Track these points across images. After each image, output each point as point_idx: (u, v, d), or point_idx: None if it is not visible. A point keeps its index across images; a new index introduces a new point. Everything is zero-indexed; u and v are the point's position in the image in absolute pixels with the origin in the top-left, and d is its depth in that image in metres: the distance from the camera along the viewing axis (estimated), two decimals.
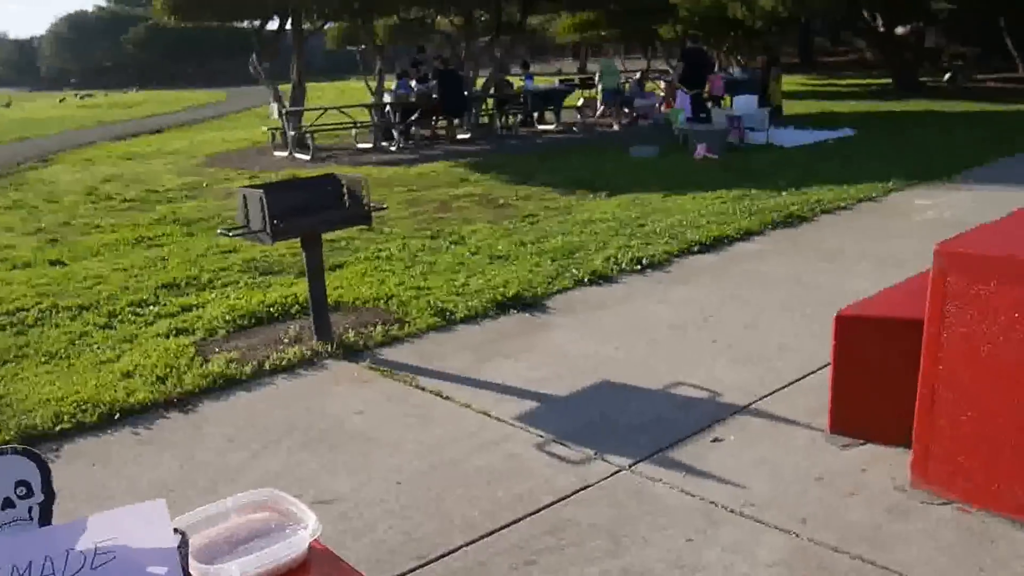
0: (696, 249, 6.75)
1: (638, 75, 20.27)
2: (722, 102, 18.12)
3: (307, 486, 3.42)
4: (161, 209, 10.23)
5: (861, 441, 3.46)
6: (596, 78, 19.95)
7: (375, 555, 2.91)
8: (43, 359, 4.97)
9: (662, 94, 20.00)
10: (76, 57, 69.46)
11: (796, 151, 12.51)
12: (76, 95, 47.04)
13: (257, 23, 18.30)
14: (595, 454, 3.53)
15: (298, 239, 4.93)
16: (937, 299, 2.89)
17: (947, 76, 25.78)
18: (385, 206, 5.63)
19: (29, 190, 12.45)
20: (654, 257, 6.46)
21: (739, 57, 30.02)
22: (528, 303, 5.61)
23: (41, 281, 6.73)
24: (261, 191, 4.48)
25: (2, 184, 13.31)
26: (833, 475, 3.24)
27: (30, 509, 1.02)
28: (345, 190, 4.94)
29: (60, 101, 43.71)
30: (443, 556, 2.89)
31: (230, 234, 4.70)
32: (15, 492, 1.01)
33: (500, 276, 6.16)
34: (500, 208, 9.21)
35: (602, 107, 19.75)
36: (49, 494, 1.03)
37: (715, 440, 3.61)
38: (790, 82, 20.42)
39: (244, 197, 4.64)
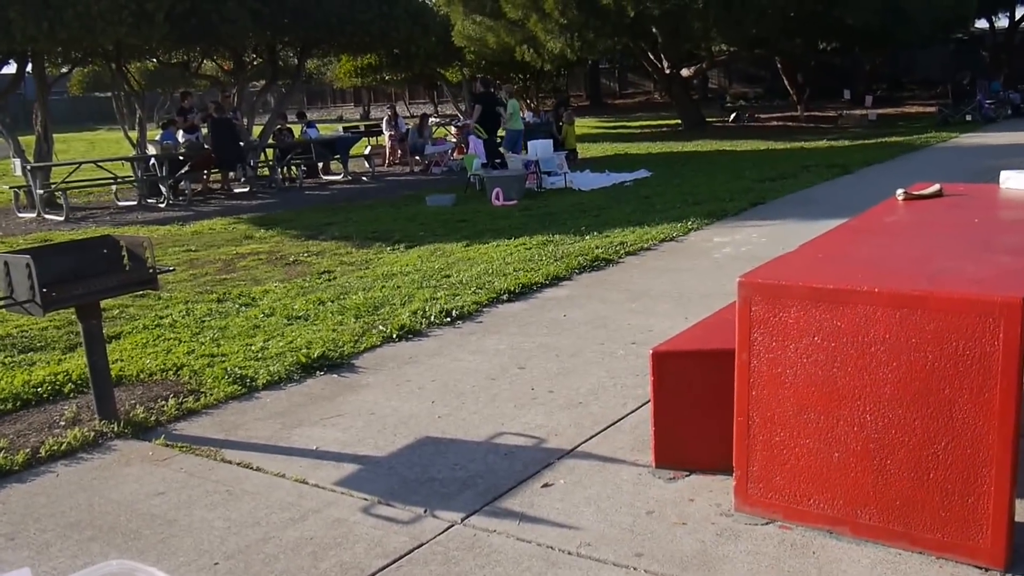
0: (505, 298, 7.08)
1: (416, 120, 20.82)
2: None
3: None
4: None
5: (686, 472, 3.82)
6: (384, 125, 20.33)
7: None
8: None
9: (454, 140, 20.65)
10: None
11: (595, 194, 13.33)
12: None
13: None
14: (424, 511, 3.67)
15: (72, 309, 4.77)
16: (744, 328, 3.29)
17: (732, 116, 28.30)
18: (172, 268, 5.54)
19: None
20: (463, 308, 6.72)
21: (529, 101, 31.50)
22: (335, 363, 5.68)
23: None
24: (28, 257, 4.32)
25: None
26: (663, 507, 3.55)
27: None
28: (125, 252, 4.84)
29: None
30: None
31: None
32: None
33: (302, 337, 6.19)
34: (291, 265, 9.21)
35: (389, 155, 20.12)
36: None
37: (545, 486, 3.84)
38: (582, 125, 21.72)
39: (6, 264, 4.45)
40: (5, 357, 6.22)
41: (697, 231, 9.59)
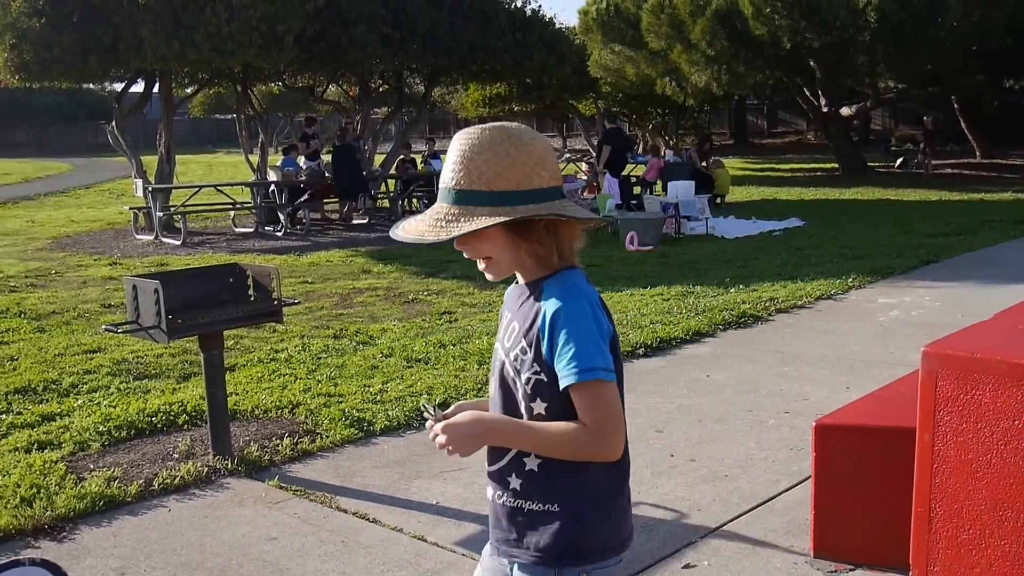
0: (641, 352, 7.01)
1: None
2: (654, 188, 18.96)
3: None
4: (1, 300, 10.01)
5: (850, 566, 3.66)
6: None
7: None
8: None
9: (584, 177, 20.75)
10: None
11: (740, 243, 13.14)
12: None
13: (119, 87, 18.36)
14: None
15: (195, 337, 4.96)
16: (928, 405, 3.15)
17: (899, 161, 27.50)
18: (297, 300, 5.71)
19: None
20: None
21: (668, 138, 31.44)
22: None
23: None
24: (156, 282, 4.52)
25: None
26: None
27: None
28: (251, 282, 5.02)
29: None
30: None
31: (118, 330, 4.71)
32: None
33: (422, 381, 6.27)
34: (410, 304, 9.37)
35: None
36: None
37: (686, 567, 3.75)
38: (726, 166, 21.48)
39: (135, 288, 4.67)
40: (121, 383, 6.50)
41: (858, 289, 9.31)
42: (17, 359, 7.27)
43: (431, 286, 10.28)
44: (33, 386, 6.44)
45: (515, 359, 1.96)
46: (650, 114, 33.98)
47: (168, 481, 4.69)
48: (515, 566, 2.00)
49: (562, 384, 1.87)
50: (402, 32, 17.77)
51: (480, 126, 1.97)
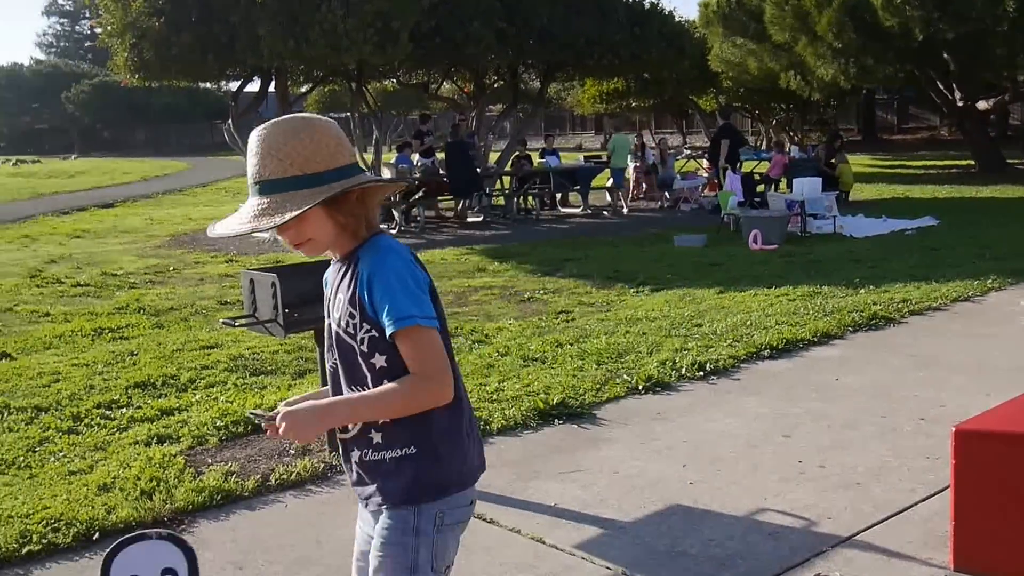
0: (766, 354, 6.88)
1: (657, 151, 20.79)
2: (778, 185, 18.61)
3: None
4: (122, 296, 10.43)
5: None
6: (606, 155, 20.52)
7: None
8: None
9: (705, 175, 20.49)
10: (6, 117, 70.94)
11: (870, 242, 12.77)
12: (8, 161, 47.97)
13: (236, 85, 18.92)
14: None
15: (311, 332, 5.06)
16: None
17: None
18: None
19: None
20: (718, 362, 6.58)
21: (793, 134, 30.82)
22: (575, 413, 5.71)
23: None
24: (274, 276, 4.63)
25: None
26: None
27: None
28: None
29: None
30: None
31: (235, 324, 4.84)
32: None
33: (539, 381, 6.27)
34: (526, 303, 9.39)
35: (634, 188, 20.23)
36: None
37: None
38: (853, 162, 20.90)
39: (252, 282, 4.79)
40: (237, 379, 6.69)
41: (998, 291, 8.94)
42: (137, 354, 7.55)
43: (547, 285, 10.28)
44: (152, 381, 6.68)
45: (347, 325, 2.16)
46: (773, 109, 33.37)
47: (284, 477, 4.80)
48: (383, 512, 2.23)
49: (387, 334, 2.08)
50: (518, 27, 17.84)
51: (271, 121, 2.17)
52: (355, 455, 2.26)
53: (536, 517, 4.33)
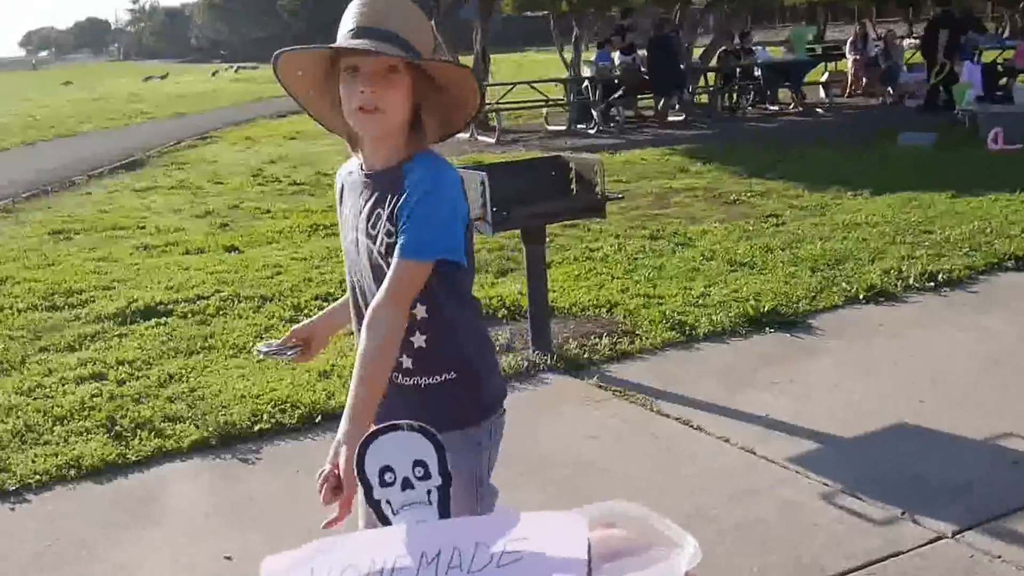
0: (1010, 265, 6.34)
1: (881, 44, 19.43)
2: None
3: None
4: (332, 195, 10.69)
5: None
6: (847, 47, 19.35)
7: None
8: (230, 352, 5.31)
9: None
10: (229, 27, 74.29)
11: None
12: (230, 68, 50.40)
13: None
14: (902, 514, 3.34)
15: (517, 230, 4.99)
16: None
17: None
18: (621, 195, 5.61)
19: (192, 170, 13.43)
20: (951, 273, 6.10)
21: None
22: (787, 321, 5.44)
23: (219, 268, 7.19)
24: (483, 173, 4.56)
25: (164, 163, 14.43)
26: None
27: (428, 492, 1.08)
28: (574, 175, 4.95)
29: (212, 75, 47.01)
30: None
31: None
32: (413, 472, 1.07)
33: (748, 287, 6.01)
34: (732, 205, 9.03)
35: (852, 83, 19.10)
36: (446, 476, 1.09)
37: None
38: None
39: (460, 181, 4.72)
40: None
41: None
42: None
43: (754, 187, 9.84)
44: None
45: (381, 242, 1.98)
46: None
47: None
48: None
49: (397, 249, 1.92)
50: None
51: None
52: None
53: (746, 427, 4.15)
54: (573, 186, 4.94)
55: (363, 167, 2.07)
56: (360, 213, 2.04)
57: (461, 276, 2.05)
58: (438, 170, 1.99)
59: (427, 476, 1.07)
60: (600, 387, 4.65)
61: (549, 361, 4.92)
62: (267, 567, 1.00)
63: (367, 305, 1.98)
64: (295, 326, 2.24)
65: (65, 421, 4.44)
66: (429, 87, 1.98)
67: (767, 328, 5.35)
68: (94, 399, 4.63)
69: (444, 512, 1.08)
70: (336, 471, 1.70)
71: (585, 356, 5.00)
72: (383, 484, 1.06)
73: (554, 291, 6.17)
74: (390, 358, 1.92)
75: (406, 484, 1.06)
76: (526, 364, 4.89)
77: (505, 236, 6.59)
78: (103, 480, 3.95)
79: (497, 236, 6.30)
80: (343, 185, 2.15)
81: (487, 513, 2.04)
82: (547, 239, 7.47)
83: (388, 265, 1.95)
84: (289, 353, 2.17)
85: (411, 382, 2.03)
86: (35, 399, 4.71)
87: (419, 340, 1.99)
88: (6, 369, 5.19)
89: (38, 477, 3.93)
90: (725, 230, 7.82)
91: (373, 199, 2.01)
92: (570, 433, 4.19)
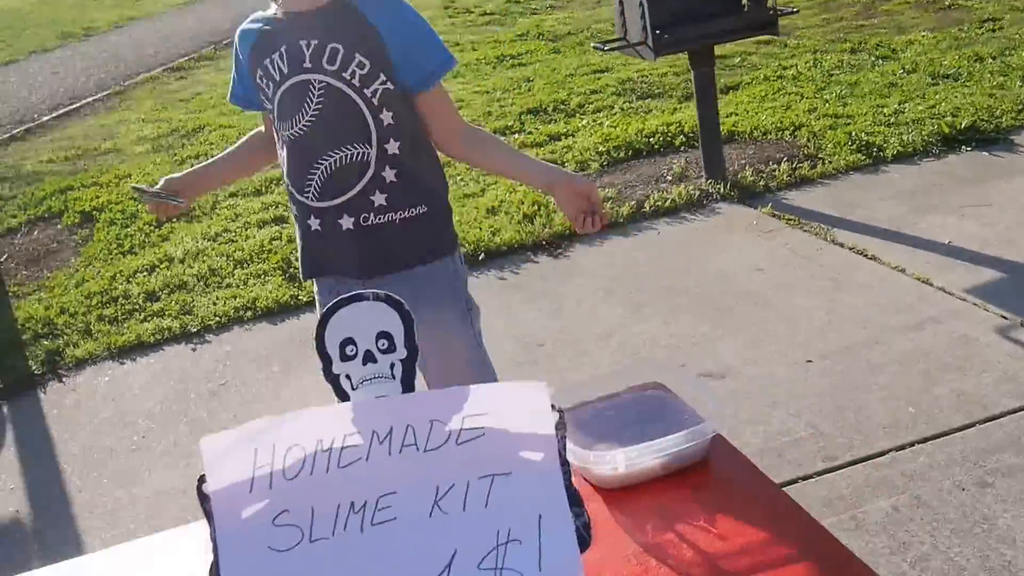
0: None
1: None
2: None
3: (688, 355, 3.40)
4: (524, 23, 10.54)
5: None
6: None
7: (774, 448, 2.83)
8: None
9: None
10: None
11: None
12: None
13: None
14: None
15: (685, 53, 4.77)
16: None
17: None
18: (795, 9, 5.24)
19: None
20: None
21: None
22: (987, 138, 5.02)
23: None
24: None
25: None
26: None
27: (392, 366, 1.03)
28: None
29: None
30: (855, 462, 2.73)
31: (604, 48, 4.67)
32: (376, 345, 1.03)
33: (947, 101, 5.56)
34: (946, 11, 8.26)
35: None
36: (412, 350, 1.03)
37: None
38: None
39: (620, 3, 4.54)
40: (624, 103, 6.59)
41: None
42: (532, 80, 7.65)
43: None
44: (544, 107, 6.74)
45: (351, 76, 1.89)
46: None
47: (659, 203, 4.70)
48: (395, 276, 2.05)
49: (429, 82, 1.97)
50: None
51: None
52: (346, 222, 1.99)
53: (926, 255, 3.92)
54: (744, 2, 4.64)
55: (281, 13, 1.95)
56: (304, 52, 1.90)
57: None
58: None
59: (391, 349, 1.01)
60: (774, 215, 4.49)
61: (722, 189, 4.77)
62: (207, 446, 0.96)
63: (303, 149, 1.96)
64: (169, 175, 2.15)
65: (245, 264, 4.72)
66: None
67: (963, 147, 4.96)
68: (273, 242, 4.88)
69: (408, 387, 1.03)
70: (593, 201, 1.91)
71: (761, 183, 4.82)
72: (343, 358, 1.02)
73: (737, 115, 5.94)
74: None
75: (368, 357, 1.01)
76: (697, 193, 4.77)
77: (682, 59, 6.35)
78: (276, 321, 4.20)
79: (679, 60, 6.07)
80: (257, 38, 1.98)
81: (478, 331, 2.16)
82: (731, 62, 7.20)
83: (349, 93, 1.90)
84: (174, 201, 2.08)
85: (384, 219, 1.99)
86: (220, 243, 5.02)
87: (390, 175, 1.96)
88: (198, 215, 5.54)
89: (217, 319, 4.23)
90: (933, 39, 7.19)
91: (318, 38, 1.90)
92: (736, 264, 4.08)
